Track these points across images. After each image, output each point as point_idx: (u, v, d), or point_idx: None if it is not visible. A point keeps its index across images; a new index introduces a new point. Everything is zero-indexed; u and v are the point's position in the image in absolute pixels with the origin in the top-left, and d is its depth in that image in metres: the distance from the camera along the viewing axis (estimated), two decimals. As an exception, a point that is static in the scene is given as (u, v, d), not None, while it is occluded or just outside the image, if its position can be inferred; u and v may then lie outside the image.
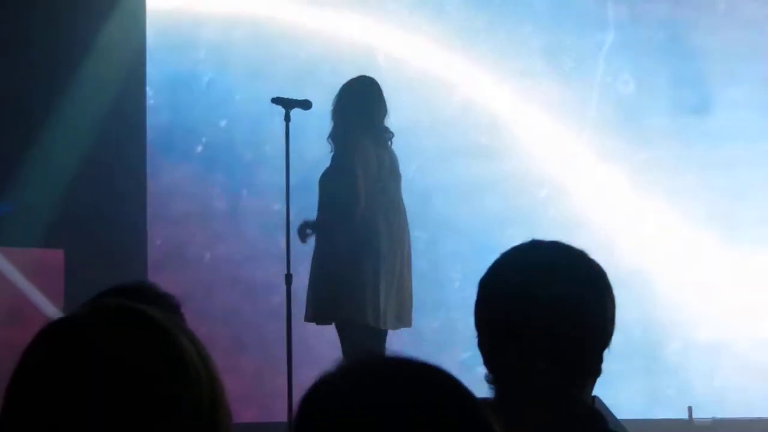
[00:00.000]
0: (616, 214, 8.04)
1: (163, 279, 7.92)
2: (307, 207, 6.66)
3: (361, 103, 6.62)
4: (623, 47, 8.21)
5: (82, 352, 1.39)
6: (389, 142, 6.68)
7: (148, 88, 8.27)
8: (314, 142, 7.26)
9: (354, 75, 6.73)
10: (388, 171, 6.62)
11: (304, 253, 6.60)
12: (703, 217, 7.96)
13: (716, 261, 7.92)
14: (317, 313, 6.43)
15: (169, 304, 2.93)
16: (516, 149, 8.18)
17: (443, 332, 7.91)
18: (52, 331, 1.44)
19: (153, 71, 8.25)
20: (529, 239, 2.17)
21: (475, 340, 2.12)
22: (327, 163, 6.64)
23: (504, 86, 8.23)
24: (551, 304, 2.07)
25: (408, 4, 8.33)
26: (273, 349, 7.16)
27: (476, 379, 2.12)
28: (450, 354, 7.71)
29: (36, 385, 1.38)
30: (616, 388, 6.35)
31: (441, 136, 8.16)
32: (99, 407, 1.35)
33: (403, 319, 6.54)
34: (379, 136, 6.63)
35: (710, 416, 7.53)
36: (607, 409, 4.10)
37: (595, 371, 2.09)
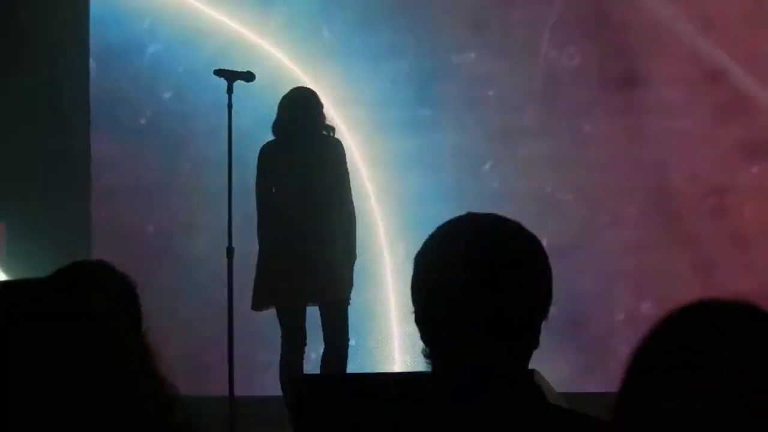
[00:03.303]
0: (547, 188, 8.04)
1: (107, 252, 7.86)
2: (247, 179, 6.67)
3: (287, 116, 6.65)
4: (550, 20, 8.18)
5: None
6: (322, 139, 6.68)
7: (91, 60, 8.18)
8: (254, 112, 7.24)
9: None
10: (309, 165, 6.61)
11: (246, 224, 6.59)
12: (627, 189, 8.01)
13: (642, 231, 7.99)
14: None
15: (124, 283, 2.93)
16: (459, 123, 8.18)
17: (376, 304, 7.89)
18: None
19: (97, 42, 8.16)
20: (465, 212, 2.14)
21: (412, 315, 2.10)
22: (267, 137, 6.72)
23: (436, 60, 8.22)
24: (488, 277, 2.04)
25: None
26: (213, 322, 7.13)
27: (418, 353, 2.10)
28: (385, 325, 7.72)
29: None
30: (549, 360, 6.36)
31: (378, 109, 8.15)
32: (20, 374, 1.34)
33: (319, 294, 6.57)
34: (305, 139, 6.63)
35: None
36: (546, 382, 4.09)
37: (533, 344, 2.07)
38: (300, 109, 6.68)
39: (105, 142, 8.11)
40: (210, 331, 7.36)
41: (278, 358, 6.65)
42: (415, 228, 7.70)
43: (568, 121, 8.09)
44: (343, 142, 6.90)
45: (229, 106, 6.57)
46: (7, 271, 7.41)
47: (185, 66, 8.16)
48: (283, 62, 8.03)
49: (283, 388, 6.47)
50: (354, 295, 6.76)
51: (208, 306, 7.32)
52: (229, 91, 6.61)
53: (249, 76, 6.71)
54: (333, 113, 7.57)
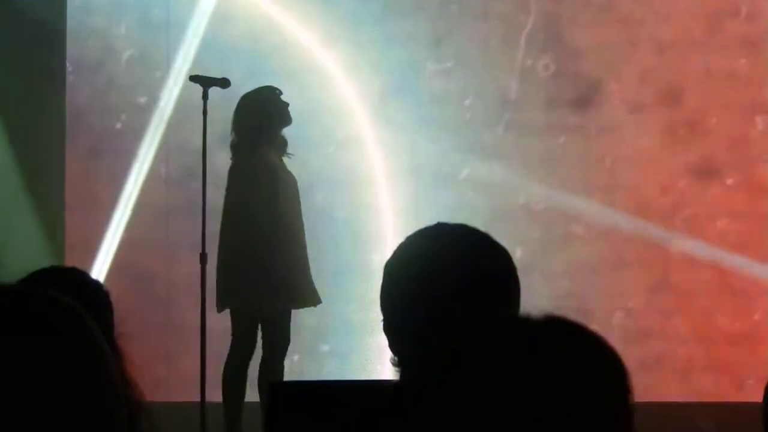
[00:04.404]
0: (499, 203, 8.07)
1: (78, 258, 7.85)
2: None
3: (258, 116, 6.61)
4: (507, 38, 8.21)
5: None
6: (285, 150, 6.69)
7: (67, 63, 8.17)
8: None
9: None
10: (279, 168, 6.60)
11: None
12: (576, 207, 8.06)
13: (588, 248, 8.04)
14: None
15: (97, 289, 2.94)
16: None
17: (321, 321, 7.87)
18: None
19: (73, 47, 8.15)
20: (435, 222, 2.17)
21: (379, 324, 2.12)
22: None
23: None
24: (458, 288, 2.07)
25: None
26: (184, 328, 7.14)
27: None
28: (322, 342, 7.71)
29: None
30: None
31: (334, 126, 8.15)
32: None
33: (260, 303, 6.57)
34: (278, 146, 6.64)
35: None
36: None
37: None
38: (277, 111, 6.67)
39: (80, 148, 8.10)
40: (181, 337, 7.36)
41: (257, 364, 6.64)
42: (387, 237, 7.73)
43: (522, 139, 8.14)
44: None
45: (204, 112, 6.57)
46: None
47: (163, 72, 8.17)
48: (256, 69, 8.04)
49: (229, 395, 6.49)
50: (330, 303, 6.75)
51: (178, 312, 7.31)
52: (204, 97, 6.61)
53: (224, 83, 6.71)
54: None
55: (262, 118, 6.62)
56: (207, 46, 8.11)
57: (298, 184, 6.71)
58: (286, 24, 8.25)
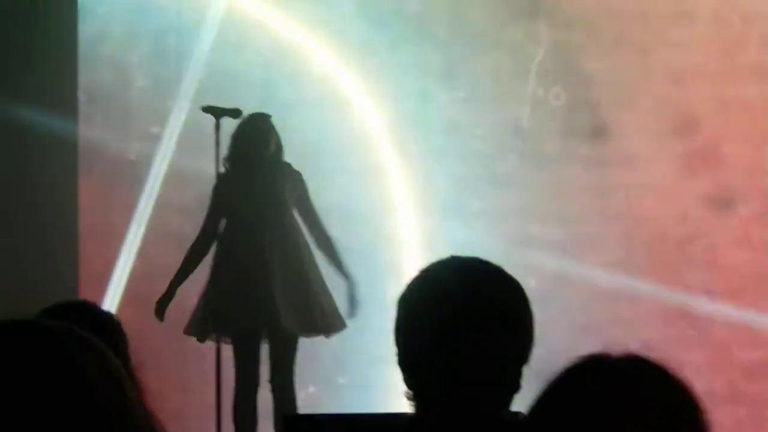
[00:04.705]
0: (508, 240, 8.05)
1: (93, 289, 7.85)
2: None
3: (237, 144, 6.64)
4: (518, 71, 8.21)
5: None
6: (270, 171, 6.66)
7: (80, 94, 8.20)
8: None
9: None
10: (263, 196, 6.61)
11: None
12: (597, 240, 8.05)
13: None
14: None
15: (110, 321, 2.96)
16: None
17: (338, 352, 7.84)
18: None
19: (86, 76, 8.17)
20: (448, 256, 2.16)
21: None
22: None
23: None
24: (471, 322, 2.06)
25: (309, 22, 8.27)
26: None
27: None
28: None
29: None
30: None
31: (347, 156, 8.15)
32: None
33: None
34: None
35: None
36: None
37: (516, 387, 2.09)
38: (250, 140, 6.66)
39: (95, 180, 8.11)
40: (197, 366, 7.34)
41: (267, 398, 6.61)
42: (402, 268, 7.72)
43: (535, 168, 8.13)
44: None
45: (217, 143, 6.59)
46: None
47: (174, 102, 8.18)
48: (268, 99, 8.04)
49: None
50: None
51: (193, 342, 7.27)
52: (217, 127, 6.63)
53: (236, 113, 6.73)
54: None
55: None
56: (219, 75, 8.12)
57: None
58: (298, 53, 8.27)
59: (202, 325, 6.51)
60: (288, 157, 6.83)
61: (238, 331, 6.47)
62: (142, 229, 8.06)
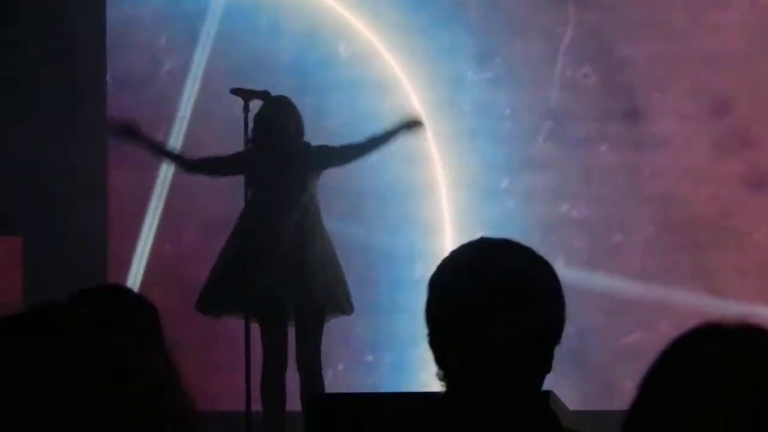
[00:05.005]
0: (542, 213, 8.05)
1: (123, 271, 7.91)
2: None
3: (258, 126, 6.68)
4: (550, 53, 8.19)
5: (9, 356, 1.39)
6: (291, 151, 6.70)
7: (108, 78, 8.24)
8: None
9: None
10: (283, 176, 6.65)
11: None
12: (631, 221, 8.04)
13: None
14: None
15: (144, 305, 2.97)
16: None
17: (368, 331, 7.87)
18: None
19: (113, 61, 8.21)
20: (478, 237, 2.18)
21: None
22: None
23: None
24: (502, 304, 2.08)
25: (343, 5, 8.26)
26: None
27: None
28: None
29: None
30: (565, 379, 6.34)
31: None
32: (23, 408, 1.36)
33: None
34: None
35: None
36: (561, 403, 4.12)
37: (547, 367, 2.11)
38: (269, 122, 6.70)
39: (123, 163, 8.15)
40: (227, 347, 7.39)
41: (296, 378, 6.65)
42: (434, 249, 7.73)
43: (572, 152, 8.12)
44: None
45: (245, 124, 6.61)
46: (27, 285, 7.45)
47: (202, 84, 8.20)
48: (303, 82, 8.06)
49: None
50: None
51: (223, 323, 7.31)
52: (245, 110, 6.66)
53: (264, 95, 6.75)
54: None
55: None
56: (253, 58, 8.14)
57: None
58: (332, 36, 8.28)
59: (215, 301, 6.56)
60: (322, 140, 6.85)
61: (265, 311, 6.50)
62: (170, 213, 8.10)
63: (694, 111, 8.07)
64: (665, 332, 7.80)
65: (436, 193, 8.15)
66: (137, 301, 3.01)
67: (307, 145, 6.74)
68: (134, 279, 7.96)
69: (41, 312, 1.46)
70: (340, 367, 7.70)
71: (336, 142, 6.85)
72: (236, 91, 6.73)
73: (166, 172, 8.03)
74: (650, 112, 8.11)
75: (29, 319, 1.43)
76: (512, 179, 8.08)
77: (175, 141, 8.09)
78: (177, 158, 7.06)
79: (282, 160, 6.61)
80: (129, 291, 3.06)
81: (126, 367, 1.40)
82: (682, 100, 8.08)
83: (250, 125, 6.65)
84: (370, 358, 6.93)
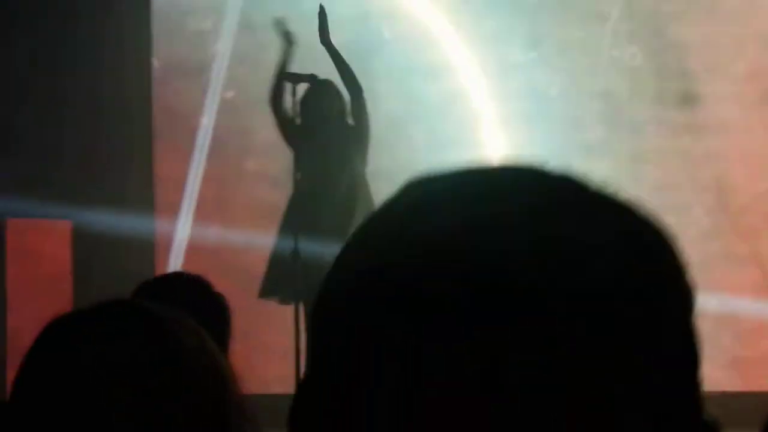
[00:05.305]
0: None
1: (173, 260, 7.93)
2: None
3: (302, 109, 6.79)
4: (604, 33, 8.14)
5: (72, 354, 1.40)
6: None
7: (154, 61, 8.26)
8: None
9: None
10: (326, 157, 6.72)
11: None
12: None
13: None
14: None
15: (218, 302, 2.91)
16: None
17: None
18: (51, 330, 1.45)
19: (160, 41, 8.23)
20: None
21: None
22: None
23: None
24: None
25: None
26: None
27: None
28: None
29: (30, 387, 1.40)
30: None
31: (435, 125, 8.15)
32: (86, 407, 1.37)
33: None
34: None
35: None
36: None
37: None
38: (310, 105, 6.77)
39: (171, 147, 8.17)
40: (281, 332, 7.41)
41: None
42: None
43: (625, 138, 8.08)
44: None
45: (293, 108, 6.64)
46: (76, 269, 7.51)
47: (250, 66, 8.21)
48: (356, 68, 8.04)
49: None
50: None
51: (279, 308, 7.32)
52: (293, 93, 6.68)
53: (312, 79, 6.77)
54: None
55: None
56: (301, 43, 8.15)
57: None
58: (385, 23, 8.26)
59: (276, 287, 6.60)
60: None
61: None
62: (216, 199, 8.12)
63: (753, 97, 7.98)
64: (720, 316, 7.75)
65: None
66: (210, 296, 2.96)
67: (350, 126, 6.77)
68: (177, 263, 7.99)
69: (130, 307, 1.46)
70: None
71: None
72: (284, 75, 6.75)
73: (213, 158, 8.05)
74: (709, 98, 8.03)
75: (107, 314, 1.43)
76: (569, 166, 8.02)
77: (224, 125, 8.11)
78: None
79: (326, 142, 6.64)
80: (209, 287, 2.99)
81: (186, 371, 1.40)
82: (741, 85, 8.00)
83: (297, 108, 6.67)
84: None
